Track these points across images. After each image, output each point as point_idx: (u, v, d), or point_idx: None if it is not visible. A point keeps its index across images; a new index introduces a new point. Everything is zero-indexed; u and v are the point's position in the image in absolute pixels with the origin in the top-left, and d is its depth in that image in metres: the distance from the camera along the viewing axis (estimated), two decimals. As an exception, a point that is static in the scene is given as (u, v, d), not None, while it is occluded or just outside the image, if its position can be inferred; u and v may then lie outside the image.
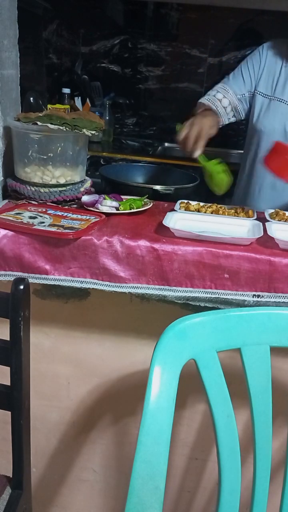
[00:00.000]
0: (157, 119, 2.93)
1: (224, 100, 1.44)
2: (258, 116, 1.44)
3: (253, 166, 1.52)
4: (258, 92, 1.43)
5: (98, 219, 1.01)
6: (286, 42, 1.46)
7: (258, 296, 0.93)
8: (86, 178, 1.17)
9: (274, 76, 1.41)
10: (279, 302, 0.93)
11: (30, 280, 0.94)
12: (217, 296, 0.94)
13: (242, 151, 2.73)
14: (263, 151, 1.43)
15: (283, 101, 1.40)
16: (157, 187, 1.37)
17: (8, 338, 0.87)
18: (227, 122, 1.48)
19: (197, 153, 1.22)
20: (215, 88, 1.49)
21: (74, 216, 1.03)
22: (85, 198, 1.08)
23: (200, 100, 1.47)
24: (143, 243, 0.93)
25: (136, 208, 1.08)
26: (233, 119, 1.49)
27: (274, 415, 0.85)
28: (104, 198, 1.08)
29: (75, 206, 1.11)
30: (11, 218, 0.98)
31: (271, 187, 1.48)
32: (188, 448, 1.18)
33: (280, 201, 1.44)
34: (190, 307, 0.98)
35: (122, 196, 1.13)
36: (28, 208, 1.05)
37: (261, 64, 1.43)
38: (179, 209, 1.09)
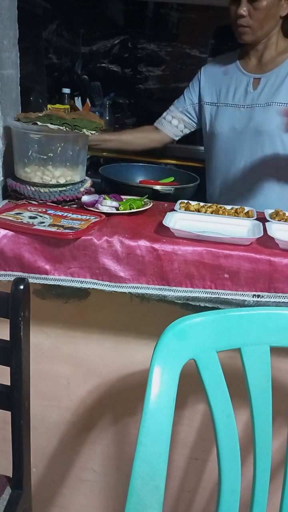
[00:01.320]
0: (157, 119, 2.93)
1: (167, 116, 1.70)
2: (210, 122, 1.60)
3: (211, 165, 1.64)
4: (205, 103, 1.61)
5: (98, 219, 1.01)
6: (224, 56, 1.66)
7: (258, 296, 0.93)
8: (86, 178, 1.17)
9: (216, 86, 1.59)
10: (279, 302, 0.93)
11: (30, 280, 0.94)
12: (217, 296, 0.94)
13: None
14: (219, 151, 1.59)
15: (228, 104, 1.54)
16: (157, 187, 1.37)
17: (8, 338, 0.87)
18: (181, 134, 1.71)
19: None
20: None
21: (74, 216, 1.03)
22: (85, 198, 1.08)
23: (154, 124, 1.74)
24: (143, 243, 0.93)
25: (136, 208, 1.08)
26: (186, 130, 1.70)
27: (274, 415, 0.85)
28: (104, 198, 1.08)
29: (75, 206, 1.11)
30: (11, 218, 0.98)
31: (225, 183, 1.59)
32: (188, 448, 1.18)
33: (238, 200, 1.52)
34: (190, 307, 0.98)
35: (122, 196, 1.13)
36: (28, 208, 1.05)
37: (200, 82, 1.63)
38: (179, 209, 1.09)
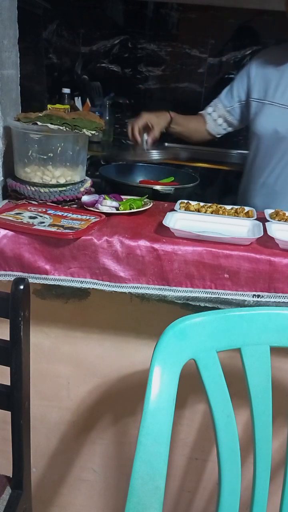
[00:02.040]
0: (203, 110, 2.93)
1: (213, 113, 1.63)
2: (253, 120, 1.52)
3: (252, 166, 1.58)
4: (252, 99, 1.53)
5: (98, 219, 1.01)
6: (277, 48, 1.57)
7: (258, 296, 0.93)
8: (86, 178, 1.17)
9: (265, 82, 1.49)
10: (279, 302, 0.93)
11: (30, 280, 0.94)
12: (217, 296, 0.94)
13: (243, 151, 2.76)
14: (259, 152, 1.53)
15: (274, 103, 1.46)
16: (157, 187, 1.37)
17: (8, 338, 0.87)
18: (223, 132, 1.67)
19: (140, 142, 1.47)
20: (210, 104, 1.67)
21: (74, 216, 1.03)
22: (85, 198, 1.08)
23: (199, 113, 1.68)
24: (143, 243, 0.93)
25: (136, 208, 1.08)
26: (229, 129, 1.65)
27: (274, 415, 0.85)
28: (104, 198, 1.08)
29: (75, 206, 1.11)
30: (11, 218, 0.98)
31: (270, 187, 1.53)
32: (188, 448, 1.19)
33: (277, 202, 1.48)
34: (190, 307, 0.98)
35: (122, 196, 1.13)
36: (28, 208, 1.05)
37: (250, 75, 1.53)
38: (179, 209, 1.09)
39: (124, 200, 1.11)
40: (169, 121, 1.57)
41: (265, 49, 1.64)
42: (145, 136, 1.48)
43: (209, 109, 1.64)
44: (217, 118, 1.62)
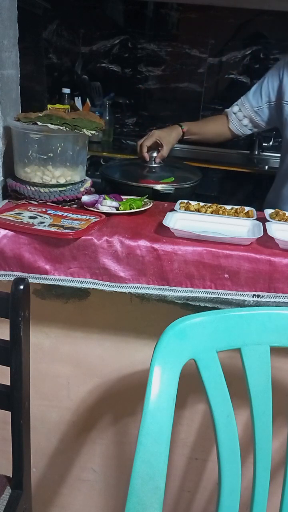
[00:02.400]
0: (157, 119, 2.93)
1: (239, 113, 1.56)
2: (286, 124, 1.47)
3: (285, 175, 1.54)
4: (286, 102, 1.45)
5: (98, 219, 1.01)
6: None
7: (258, 296, 0.93)
8: (86, 178, 1.17)
9: None
10: (279, 302, 0.93)
11: (30, 280, 0.94)
12: (217, 296, 0.94)
13: (243, 151, 2.75)
14: None
15: None
16: (157, 187, 1.37)
17: (8, 338, 0.87)
18: (248, 133, 1.62)
19: (147, 160, 1.47)
20: (236, 102, 1.61)
21: (74, 216, 1.03)
22: (85, 198, 1.08)
23: (223, 112, 1.64)
24: (143, 243, 0.93)
25: (136, 208, 1.08)
26: (255, 130, 1.60)
27: (274, 415, 0.85)
28: (104, 198, 1.08)
29: (75, 206, 1.11)
30: (11, 218, 0.98)
31: None
32: (188, 448, 1.18)
33: None
34: (190, 307, 0.98)
35: (122, 196, 1.13)
36: (28, 208, 1.05)
37: (283, 74, 1.45)
38: (179, 209, 1.09)
39: (124, 200, 1.11)
40: (181, 136, 1.54)
41: None
42: (154, 154, 1.48)
43: (235, 108, 1.57)
44: (242, 118, 1.56)
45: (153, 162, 1.49)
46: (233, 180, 2.49)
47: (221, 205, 1.14)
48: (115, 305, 1.06)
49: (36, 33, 2.81)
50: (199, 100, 2.91)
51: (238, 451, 0.84)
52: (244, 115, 1.55)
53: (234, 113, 1.57)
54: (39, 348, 1.12)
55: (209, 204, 1.13)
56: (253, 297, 0.93)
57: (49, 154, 1.05)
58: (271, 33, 2.70)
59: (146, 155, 1.46)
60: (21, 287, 0.84)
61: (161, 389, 0.76)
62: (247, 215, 1.10)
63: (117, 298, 1.01)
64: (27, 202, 1.08)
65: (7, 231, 0.96)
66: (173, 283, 0.95)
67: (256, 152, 2.84)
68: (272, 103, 1.51)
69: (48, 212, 1.04)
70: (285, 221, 1.06)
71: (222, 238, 0.95)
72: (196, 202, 1.14)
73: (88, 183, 1.15)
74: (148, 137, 1.47)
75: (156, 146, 1.48)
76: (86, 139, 1.11)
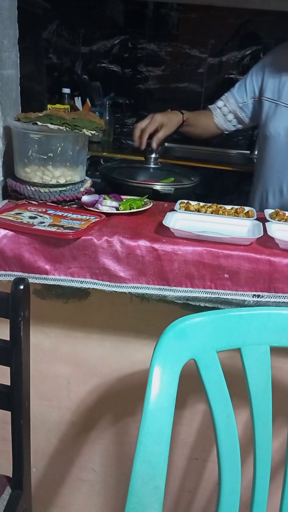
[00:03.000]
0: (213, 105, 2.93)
1: (224, 108, 1.54)
2: (265, 121, 1.46)
3: (261, 171, 1.54)
4: (265, 98, 1.45)
5: (98, 219, 1.01)
6: None
7: (258, 296, 0.93)
8: (86, 178, 1.17)
9: (280, 81, 1.42)
10: (279, 302, 0.93)
11: (30, 280, 0.94)
12: (217, 296, 0.94)
13: (243, 151, 2.74)
14: (269, 155, 1.46)
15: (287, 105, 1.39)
16: (157, 187, 1.37)
17: (8, 338, 0.87)
18: (231, 129, 1.59)
19: (143, 147, 1.39)
20: (220, 97, 1.59)
21: (74, 216, 1.03)
22: (85, 198, 1.08)
23: (208, 107, 1.60)
24: (143, 243, 0.93)
25: (136, 208, 1.08)
26: (239, 126, 1.58)
27: (274, 415, 0.85)
28: (104, 198, 1.08)
29: (75, 206, 1.11)
30: (11, 218, 0.98)
31: (278, 192, 1.49)
32: (188, 448, 1.18)
33: (286, 206, 1.44)
34: (190, 307, 0.98)
35: (122, 196, 1.13)
36: (28, 208, 1.05)
37: (265, 71, 1.45)
38: (179, 209, 1.09)
39: (124, 200, 1.11)
40: (180, 124, 1.50)
41: (281, 45, 1.52)
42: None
43: (220, 103, 1.56)
44: (227, 113, 1.54)
45: (148, 150, 1.43)
46: (233, 180, 2.49)
47: (221, 205, 1.14)
48: (115, 305, 1.06)
49: (36, 33, 2.81)
50: (199, 100, 2.91)
51: (238, 451, 0.84)
52: (229, 110, 1.54)
53: (219, 108, 1.56)
54: (39, 348, 1.12)
55: (209, 204, 1.13)
56: (253, 297, 0.93)
57: (49, 154, 1.05)
58: (271, 33, 2.70)
59: (144, 142, 1.38)
60: (21, 287, 0.84)
61: (161, 389, 0.76)
62: (247, 215, 1.10)
63: (117, 298, 1.01)
64: (27, 202, 1.08)
65: (7, 231, 0.96)
66: (173, 283, 0.95)
67: (256, 152, 2.84)
68: (257, 98, 1.50)
69: (48, 212, 1.04)
70: (285, 221, 1.06)
71: (222, 238, 0.95)
72: (196, 202, 1.14)
73: (88, 183, 1.15)
74: (151, 122, 1.39)
75: (156, 132, 1.42)
76: (86, 139, 1.11)
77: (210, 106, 1.60)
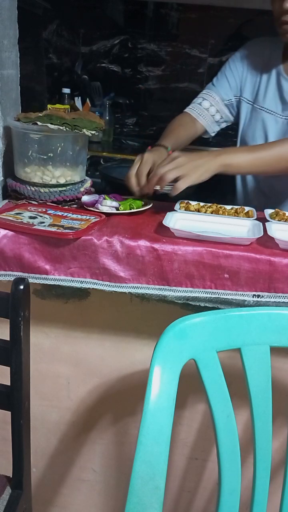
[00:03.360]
0: (157, 119, 2.93)
1: (211, 108, 1.39)
2: (244, 124, 1.39)
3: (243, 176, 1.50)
4: (243, 99, 1.37)
5: (98, 219, 1.01)
6: (270, 41, 1.35)
7: (258, 296, 0.93)
8: (86, 178, 1.17)
9: (255, 82, 1.34)
10: (279, 302, 0.93)
11: (30, 280, 0.94)
12: (217, 296, 0.94)
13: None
14: None
15: (264, 109, 1.33)
16: (157, 187, 1.37)
17: (8, 338, 0.87)
18: (217, 130, 1.45)
19: (151, 191, 1.12)
20: (200, 95, 1.42)
21: (74, 216, 1.03)
22: (85, 198, 1.08)
23: (185, 110, 1.42)
24: (143, 243, 0.93)
25: (136, 208, 1.08)
26: (223, 125, 1.46)
27: (274, 415, 0.85)
28: (104, 198, 1.08)
29: (75, 206, 1.11)
30: (11, 218, 0.98)
31: (260, 192, 1.47)
32: (188, 448, 1.18)
33: (268, 207, 1.42)
34: (190, 307, 0.98)
35: (122, 196, 1.13)
36: (28, 208, 1.05)
37: (244, 67, 1.36)
38: (179, 209, 1.09)
39: (124, 200, 1.11)
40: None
41: (257, 40, 1.43)
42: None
43: (205, 103, 1.39)
44: (215, 113, 1.40)
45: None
46: (233, 180, 2.49)
47: (221, 205, 1.14)
48: (115, 305, 1.06)
49: (36, 33, 2.82)
50: (199, 100, 2.91)
51: (238, 451, 0.84)
52: (216, 109, 1.39)
53: (206, 109, 1.39)
54: (39, 348, 1.12)
55: (209, 204, 1.13)
56: (253, 297, 0.93)
57: (49, 154, 1.05)
58: (271, 33, 2.70)
59: (147, 186, 1.12)
60: (21, 287, 0.84)
61: (161, 389, 0.76)
62: (247, 215, 1.10)
63: (117, 298, 1.01)
64: (27, 202, 1.08)
65: (7, 231, 0.96)
66: (173, 283, 0.95)
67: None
68: (237, 96, 1.39)
69: (48, 212, 1.04)
70: (285, 221, 1.06)
71: (222, 238, 0.95)
72: (196, 202, 1.14)
73: (88, 183, 1.15)
74: (142, 163, 1.14)
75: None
76: (86, 139, 1.11)
77: (190, 108, 1.41)
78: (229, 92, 1.39)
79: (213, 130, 1.43)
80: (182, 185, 1.03)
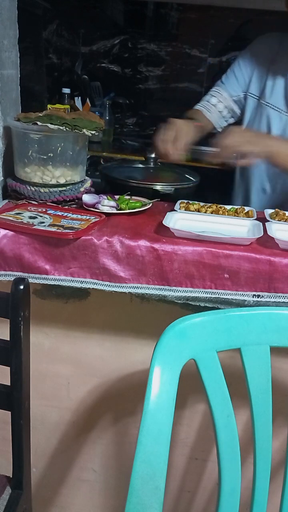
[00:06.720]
0: (157, 119, 2.91)
1: (219, 104, 1.42)
2: (249, 120, 1.41)
3: (244, 168, 1.51)
4: (250, 94, 1.40)
5: (98, 219, 1.01)
6: (279, 36, 1.37)
7: (258, 296, 0.93)
8: (86, 178, 1.17)
9: (262, 77, 1.36)
10: (279, 302, 0.93)
11: (30, 280, 0.94)
12: (217, 296, 0.94)
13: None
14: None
15: (269, 105, 1.34)
16: (157, 187, 1.37)
17: (8, 338, 0.87)
18: (225, 125, 1.47)
19: (176, 157, 1.16)
20: (209, 92, 1.47)
21: (74, 216, 1.03)
22: (85, 198, 1.08)
23: (195, 107, 1.46)
24: (143, 243, 0.93)
25: (136, 208, 1.08)
26: (231, 120, 1.48)
27: (274, 415, 0.85)
28: (107, 198, 1.08)
29: (75, 206, 1.11)
30: (11, 218, 0.98)
31: (261, 190, 1.48)
32: (188, 448, 1.18)
33: (269, 204, 1.41)
34: (190, 307, 0.98)
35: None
36: (28, 208, 1.05)
37: (253, 62, 1.38)
38: (179, 209, 1.09)
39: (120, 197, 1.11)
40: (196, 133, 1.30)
41: (267, 36, 1.44)
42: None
43: (213, 100, 1.43)
44: (223, 109, 1.42)
45: (148, 150, 1.30)
46: (233, 180, 2.49)
47: (221, 205, 1.14)
48: (115, 305, 1.06)
49: (36, 33, 2.81)
50: (199, 100, 2.90)
51: (238, 451, 0.84)
52: (224, 105, 1.42)
53: (214, 105, 1.42)
54: (39, 348, 1.12)
55: (209, 204, 1.13)
56: (253, 297, 0.93)
57: (49, 154, 1.05)
58: (271, 33, 2.70)
59: (171, 151, 1.17)
60: (21, 287, 0.84)
61: (161, 389, 0.76)
62: (247, 215, 1.10)
63: (117, 298, 1.01)
64: (27, 202, 1.08)
65: (7, 231, 0.96)
66: (173, 283, 0.95)
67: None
68: (245, 92, 1.42)
69: (48, 212, 1.04)
70: (285, 221, 1.06)
71: (222, 238, 0.95)
72: (196, 202, 1.14)
73: (88, 183, 1.15)
74: (167, 130, 1.20)
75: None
76: (86, 139, 1.11)
77: (200, 105, 1.46)
78: (238, 88, 1.41)
79: (220, 125, 1.46)
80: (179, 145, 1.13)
